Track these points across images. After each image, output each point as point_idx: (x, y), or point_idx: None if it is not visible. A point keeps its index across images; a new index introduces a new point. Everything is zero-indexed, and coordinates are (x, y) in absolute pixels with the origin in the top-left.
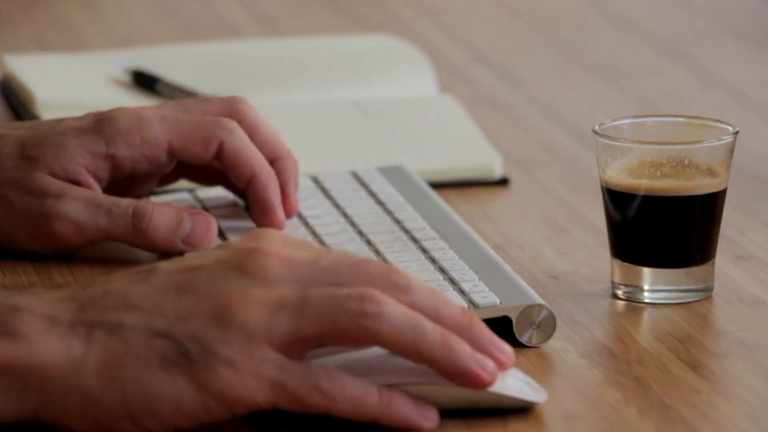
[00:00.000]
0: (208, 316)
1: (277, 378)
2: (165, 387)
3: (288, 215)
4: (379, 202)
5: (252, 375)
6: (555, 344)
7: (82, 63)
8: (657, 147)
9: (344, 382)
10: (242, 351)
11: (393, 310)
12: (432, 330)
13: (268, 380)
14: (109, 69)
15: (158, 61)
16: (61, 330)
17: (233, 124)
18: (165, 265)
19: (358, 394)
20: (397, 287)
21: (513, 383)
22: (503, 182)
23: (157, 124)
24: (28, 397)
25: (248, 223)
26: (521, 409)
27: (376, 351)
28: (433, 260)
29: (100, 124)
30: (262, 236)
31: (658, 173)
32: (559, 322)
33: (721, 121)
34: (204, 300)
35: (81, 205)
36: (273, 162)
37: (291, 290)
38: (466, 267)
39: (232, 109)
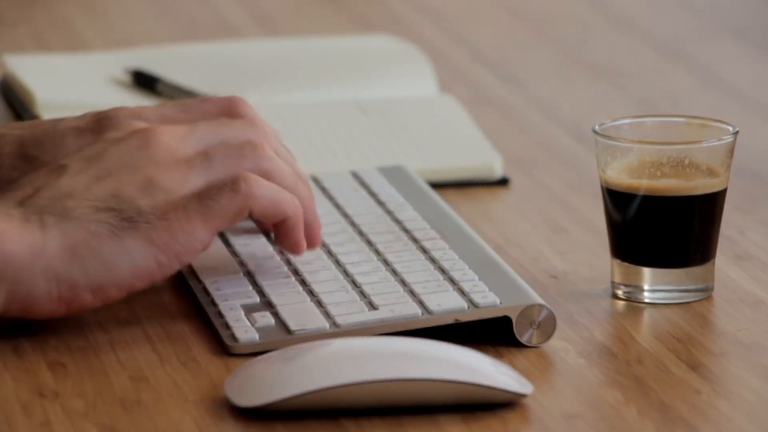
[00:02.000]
0: (134, 187)
1: (204, 209)
2: (118, 251)
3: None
4: (379, 202)
5: (185, 219)
6: (555, 344)
7: (82, 63)
8: (657, 147)
9: (260, 182)
10: (171, 204)
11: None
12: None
13: (200, 216)
14: (109, 69)
15: (158, 61)
16: (17, 222)
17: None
18: (71, 162)
19: (274, 194)
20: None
21: (501, 378)
22: (503, 182)
23: None
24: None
25: (248, 223)
26: (520, 409)
27: (370, 344)
28: (433, 260)
29: (99, 123)
30: (134, 115)
31: (658, 173)
32: (559, 322)
33: (721, 121)
34: (125, 178)
35: None
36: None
37: (192, 151)
38: (466, 267)
39: (231, 109)
